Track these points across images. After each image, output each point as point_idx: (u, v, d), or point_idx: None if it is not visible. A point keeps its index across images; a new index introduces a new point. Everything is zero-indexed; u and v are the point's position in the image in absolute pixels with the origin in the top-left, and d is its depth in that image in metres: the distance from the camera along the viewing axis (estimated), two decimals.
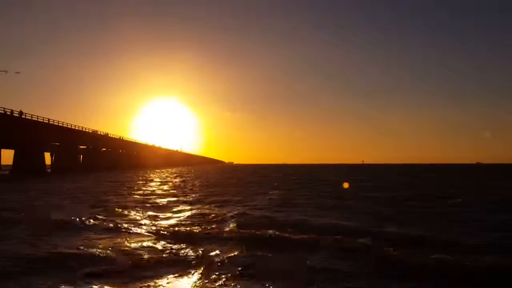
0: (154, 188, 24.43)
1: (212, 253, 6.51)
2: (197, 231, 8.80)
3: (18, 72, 63.31)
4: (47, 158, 65.47)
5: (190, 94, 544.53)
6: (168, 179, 37.99)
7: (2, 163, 65.39)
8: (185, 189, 23.55)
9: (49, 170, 60.21)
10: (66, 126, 61.14)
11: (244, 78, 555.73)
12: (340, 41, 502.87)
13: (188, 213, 12.02)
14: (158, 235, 8.27)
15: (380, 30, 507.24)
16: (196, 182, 31.78)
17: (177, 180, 35.99)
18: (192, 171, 71.85)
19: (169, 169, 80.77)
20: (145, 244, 7.35)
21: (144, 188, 24.20)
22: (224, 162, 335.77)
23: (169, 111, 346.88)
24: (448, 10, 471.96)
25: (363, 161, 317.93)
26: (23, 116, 49.25)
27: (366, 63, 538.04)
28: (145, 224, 9.72)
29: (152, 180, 34.88)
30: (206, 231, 8.70)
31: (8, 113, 46.71)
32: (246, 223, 9.65)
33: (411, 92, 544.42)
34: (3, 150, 63.95)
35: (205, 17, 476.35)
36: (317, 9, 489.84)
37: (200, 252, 6.58)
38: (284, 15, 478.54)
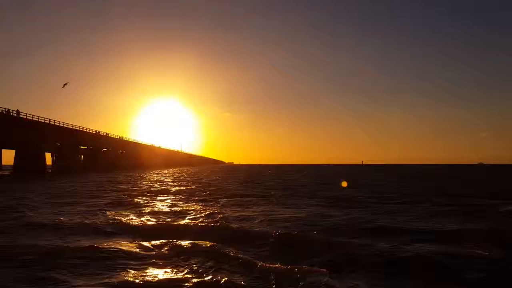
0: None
1: None
2: None
3: (66, 84, 66.54)
4: (48, 158, 65.76)
5: (190, 95, 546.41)
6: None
7: (3, 163, 65.65)
8: None
9: (49, 171, 60.33)
10: (66, 126, 61.26)
11: (244, 78, 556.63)
12: (340, 41, 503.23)
13: None
14: None
15: (380, 30, 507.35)
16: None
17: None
18: (192, 172, 71.97)
19: (164, 170, 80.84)
20: None
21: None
22: (224, 163, 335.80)
23: (169, 111, 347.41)
24: (448, 10, 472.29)
25: (362, 161, 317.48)
26: (20, 116, 49.09)
27: (366, 63, 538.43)
28: None
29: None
30: None
31: (5, 112, 46.56)
32: None
33: (411, 92, 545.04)
34: (4, 150, 64.25)
35: (205, 17, 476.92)
36: (317, 9, 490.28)
37: None
38: (284, 16, 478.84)
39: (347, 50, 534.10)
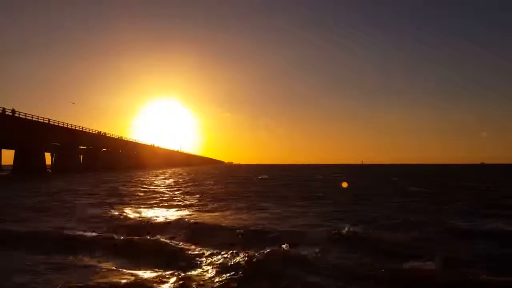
0: None
1: None
2: None
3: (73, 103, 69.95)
4: (47, 158, 65.77)
5: (190, 94, 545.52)
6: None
7: (3, 163, 65.63)
8: None
9: (49, 171, 60.32)
10: (66, 126, 61.32)
11: (243, 79, 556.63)
12: (340, 41, 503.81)
13: None
14: None
15: (380, 30, 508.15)
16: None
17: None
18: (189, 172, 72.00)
19: (161, 171, 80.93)
20: None
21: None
22: (224, 163, 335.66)
23: (169, 111, 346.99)
24: (448, 10, 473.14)
25: (362, 161, 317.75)
26: (16, 115, 48.58)
27: (366, 63, 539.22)
28: None
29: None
30: None
31: (0, 111, 46.05)
32: None
33: (411, 92, 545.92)
34: (3, 150, 64.26)
35: (205, 17, 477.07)
36: (316, 9, 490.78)
37: None
38: (284, 16, 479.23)
39: (347, 50, 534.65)
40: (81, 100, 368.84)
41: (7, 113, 47.07)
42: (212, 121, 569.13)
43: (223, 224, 10.05)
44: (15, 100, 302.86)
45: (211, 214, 12.45)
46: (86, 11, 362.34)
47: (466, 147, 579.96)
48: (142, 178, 40.28)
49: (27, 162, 51.52)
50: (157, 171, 66.34)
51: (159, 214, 12.01)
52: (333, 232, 8.57)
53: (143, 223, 10.37)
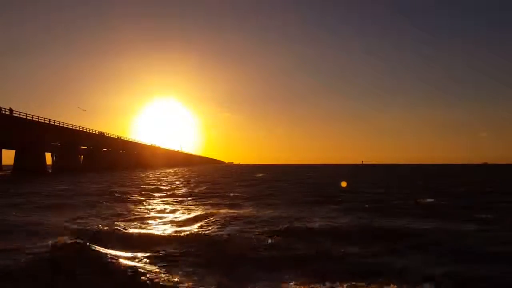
0: None
1: None
2: None
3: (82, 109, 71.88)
4: (48, 158, 65.88)
5: (190, 95, 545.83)
6: None
7: (3, 163, 65.71)
8: None
9: (49, 171, 60.40)
10: (66, 126, 61.40)
11: (243, 79, 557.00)
12: (340, 41, 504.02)
13: None
14: None
15: (379, 30, 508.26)
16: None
17: None
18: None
19: (157, 171, 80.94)
20: None
21: None
22: (224, 162, 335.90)
23: (169, 111, 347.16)
24: (448, 10, 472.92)
25: (362, 161, 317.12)
26: (15, 114, 48.07)
27: (366, 63, 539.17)
28: None
29: None
30: None
31: None
32: None
33: (411, 92, 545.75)
34: (4, 151, 64.36)
35: (205, 17, 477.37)
36: (316, 9, 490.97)
37: None
38: (284, 16, 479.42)
39: (347, 50, 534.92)
40: (81, 100, 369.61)
41: (6, 112, 47.06)
42: (212, 121, 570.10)
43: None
44: (15, 100, 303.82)
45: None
46: (85, 11, 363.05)
47: (467, 147, 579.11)
48: (132, 180, 40.49)
49: (27, 162, 51.59)
50: (156, 171, 66.51)
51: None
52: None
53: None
